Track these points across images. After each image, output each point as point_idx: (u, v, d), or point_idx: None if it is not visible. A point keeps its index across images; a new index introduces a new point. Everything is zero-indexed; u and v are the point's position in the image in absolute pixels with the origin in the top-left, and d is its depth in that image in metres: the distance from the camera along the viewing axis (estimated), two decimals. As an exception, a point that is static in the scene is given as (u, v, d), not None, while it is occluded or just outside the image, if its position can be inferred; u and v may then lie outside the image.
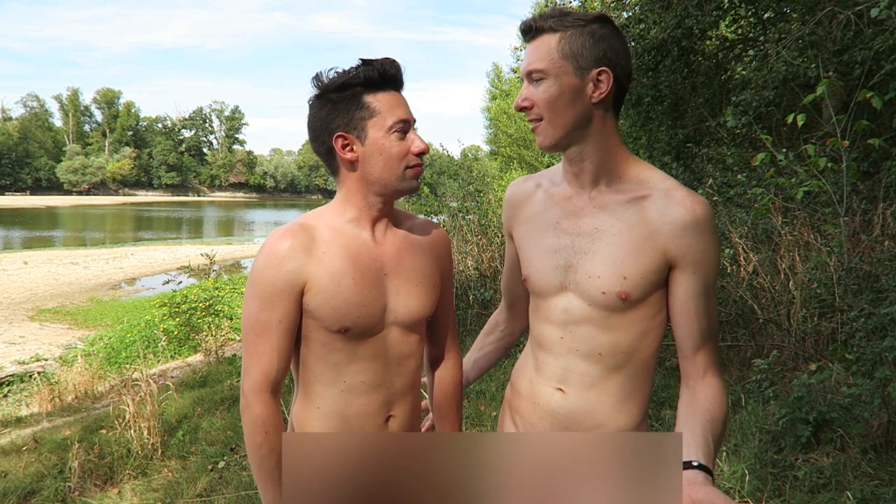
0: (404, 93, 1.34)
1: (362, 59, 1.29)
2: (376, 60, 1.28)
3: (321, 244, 1.29)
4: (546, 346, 1.32)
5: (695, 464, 1.06)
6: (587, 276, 1.23)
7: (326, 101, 1.29)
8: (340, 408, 1.34)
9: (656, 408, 3.74)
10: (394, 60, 1.29)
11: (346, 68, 1.29)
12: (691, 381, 1.25)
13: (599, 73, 1.18)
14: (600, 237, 1.23)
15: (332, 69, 1.30)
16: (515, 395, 1.41)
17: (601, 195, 1.25)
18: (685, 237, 1.18)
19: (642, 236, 1.20)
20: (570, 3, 10.50)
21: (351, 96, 1.28)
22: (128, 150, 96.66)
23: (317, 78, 1.30)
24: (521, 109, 1.22)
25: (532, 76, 1.21)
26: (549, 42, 1.19)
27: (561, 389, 1.30)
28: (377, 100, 1.28)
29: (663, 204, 1.19)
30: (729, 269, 4.83)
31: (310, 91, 1.32)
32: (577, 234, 1.26)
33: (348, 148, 1.29)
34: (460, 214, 7.56)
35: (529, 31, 1.22)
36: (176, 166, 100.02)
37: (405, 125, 1.29)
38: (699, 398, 1.21)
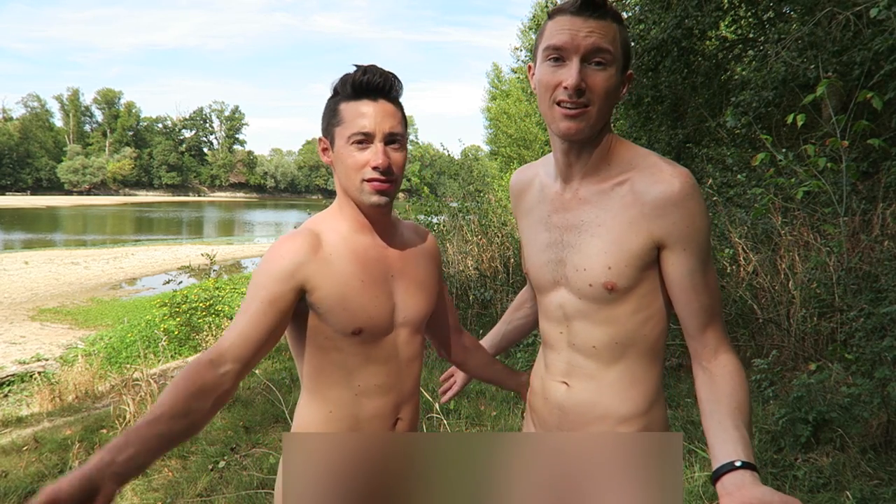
0: (403, 98, 1.34)
1: (354, 66, 1.30)
2: (359, 68, 1.29)
3: (328, 246, 1.31)
4: (550, 344, 1.34)
5: (738, 464, 0.96)
6: (575, 270, 1.24)
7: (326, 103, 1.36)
8: (354, 410, 1.35)
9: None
10: (374, 69, 1.28)
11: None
12: (704, 360, 1.19)
13: (629, 76, 1.20)
14: (585, 229, 1.23)
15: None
16: (532, 394, 1.45)
17: (584, 187, 1.25)
18: (668, 215, 1.15)
19: (625, 222, 1.18)
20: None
21: (333, 102, 1.32)
22: (128, 151, 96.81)
23: None
24: (577, 89, 1.12)
25: (596, 58, 1.13)
26: (614, 28, 1.15)
27: (566, 383, 1.31)
28: (347, 108, 1.28)
29: (642, 184, 1.17)
30: (729, 269, 4.83)
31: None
32: (565, 228, 1.27)
33: (326, 152, 1.36)
34: (460, 214, 7.57)
35: (596, 6, 1.12)
36: (176, 166, 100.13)
37: (365, 137, 1.26)
38: (719, 383, 1.14)
